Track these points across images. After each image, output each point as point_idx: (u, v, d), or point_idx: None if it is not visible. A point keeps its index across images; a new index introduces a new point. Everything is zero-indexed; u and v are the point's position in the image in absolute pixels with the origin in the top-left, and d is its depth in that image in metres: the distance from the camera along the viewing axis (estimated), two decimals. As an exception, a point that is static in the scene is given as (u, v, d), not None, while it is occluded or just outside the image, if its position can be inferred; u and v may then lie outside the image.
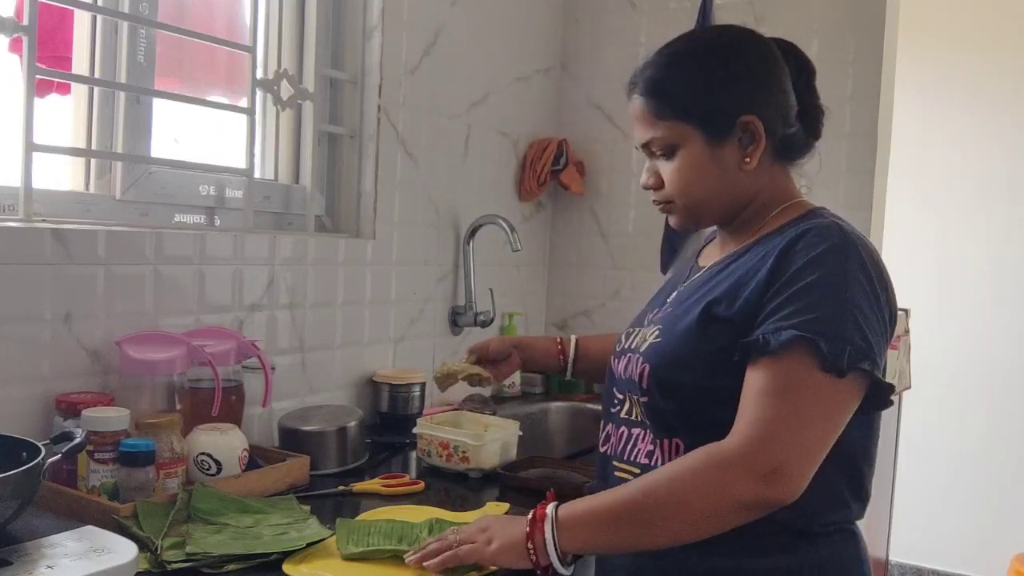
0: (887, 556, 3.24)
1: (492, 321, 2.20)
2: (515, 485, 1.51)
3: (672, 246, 2.31)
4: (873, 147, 2.08)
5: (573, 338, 1.51)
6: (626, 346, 1.17)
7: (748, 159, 1.09)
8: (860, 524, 1.10)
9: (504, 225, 2.08)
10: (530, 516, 1.03)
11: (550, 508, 1.03)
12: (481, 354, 1.49)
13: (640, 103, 1.13)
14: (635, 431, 1.13)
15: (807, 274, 0.99)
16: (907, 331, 2.56)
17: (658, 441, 1.08)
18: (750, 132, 1.08)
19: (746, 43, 1.12)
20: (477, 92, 2.21)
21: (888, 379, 1.01)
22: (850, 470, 1.06)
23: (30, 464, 1.00)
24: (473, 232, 2.16)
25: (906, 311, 2.58)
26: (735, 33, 1.14)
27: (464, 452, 1.55)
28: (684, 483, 0.96)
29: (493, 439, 1.57)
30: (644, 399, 1.10)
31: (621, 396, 1.16)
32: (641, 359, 1.11)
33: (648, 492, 0.98)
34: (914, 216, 3.56)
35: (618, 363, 1.18)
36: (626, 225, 2.49)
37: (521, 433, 1.65)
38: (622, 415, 1.15)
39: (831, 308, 0.97)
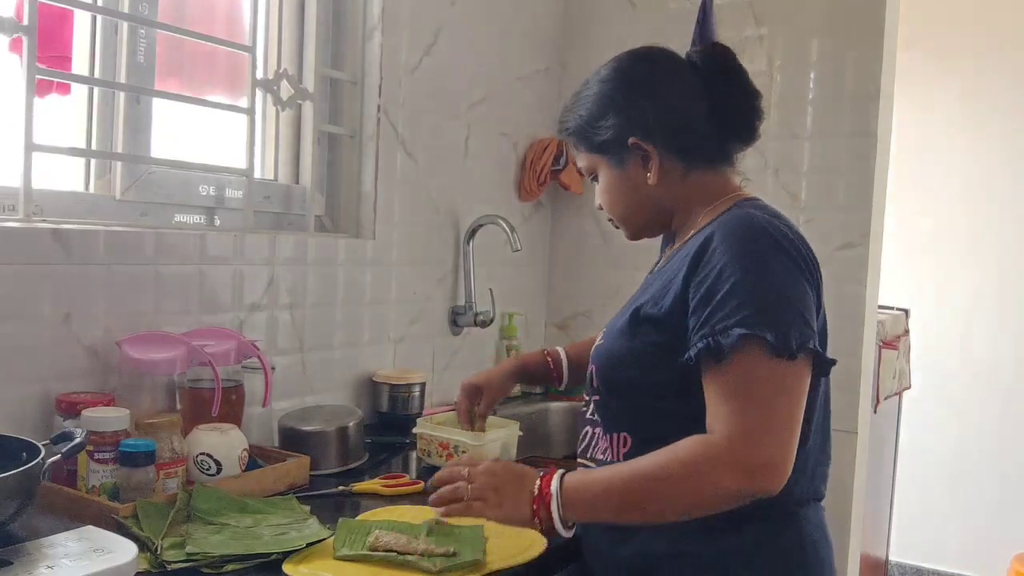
0: (887, 556, 3.24)
1: (492, 321, 2.20)
2: (515, 485, 1.52)
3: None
4: (873, 147, 2.07)
5: (560, 349, 1.59)
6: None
7: (650, 174, 1.20)
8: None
9: (504, 225, 2.08)
10: (535, 490, 1.10)
11: (554, 485, 1.09)
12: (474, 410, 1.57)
13: (566, 140, 1.30)
14: (596, 429, 1.23)
15: (730, 274, 1.06)
16: (907, 331, 2.56)
17: (608, 436, 1.19)
18: (643, 151, 1.20)
19: (628, 70, 1.23)
20: (477, 92, 2.21)
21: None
22: None
23: (30, 464, 1.01)
24: (473, 232, 2.16)
25: (906, 311, 2.58)
26: (622, 62, 1.24)
27: (464, 452, 1.55)
28: (676, 477, 1.03)
29: (493, 439, 1.57)
30: (596, 397, 1.23)
31: (587, 398, 1.26)
32: (591, 361, 1.23)
33: (646, 480, 1.05)
34: (914, 216, 3.56)
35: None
36: (626, 225, 2.48)
37: (521, 433, 1.65)
38: (588, 415, 1.25)
39: (764, 299, 1.04)
